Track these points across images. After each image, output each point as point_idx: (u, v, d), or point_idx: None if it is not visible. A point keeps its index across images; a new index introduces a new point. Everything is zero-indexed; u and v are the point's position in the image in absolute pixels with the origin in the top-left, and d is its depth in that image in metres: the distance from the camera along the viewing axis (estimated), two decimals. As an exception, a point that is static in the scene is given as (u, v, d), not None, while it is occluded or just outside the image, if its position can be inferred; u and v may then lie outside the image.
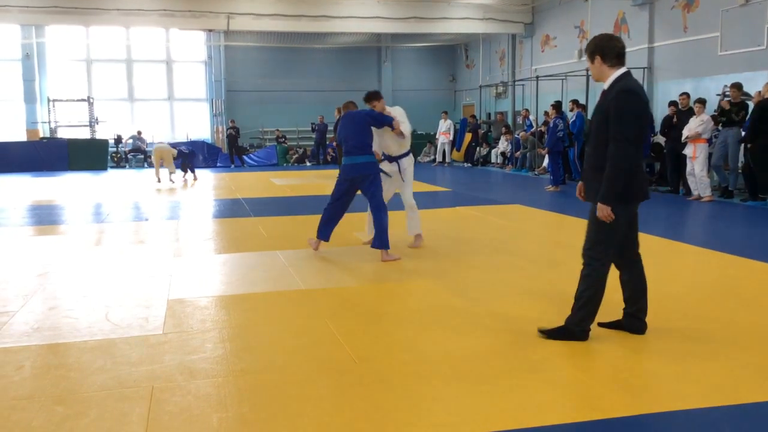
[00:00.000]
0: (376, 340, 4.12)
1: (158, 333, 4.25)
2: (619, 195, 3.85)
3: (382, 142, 6.94)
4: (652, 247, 7.07)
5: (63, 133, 21.65)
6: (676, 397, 3.21)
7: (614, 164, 3.80)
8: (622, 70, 3.90)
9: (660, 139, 13.20)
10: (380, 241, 6.45)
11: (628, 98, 3.80)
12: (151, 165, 19.40)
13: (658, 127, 13.78)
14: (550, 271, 5.99)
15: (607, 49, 3.90)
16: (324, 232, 6.70)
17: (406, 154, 7.08)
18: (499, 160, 19.16)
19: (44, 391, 3.34)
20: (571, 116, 14.33)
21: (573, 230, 7.75)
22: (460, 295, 5.15)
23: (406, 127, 6.86)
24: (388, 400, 3.21)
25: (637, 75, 14.95)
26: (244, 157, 21.92)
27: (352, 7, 19.13)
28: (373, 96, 6.86)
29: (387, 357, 3.80)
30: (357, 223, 8.51)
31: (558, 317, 4.65)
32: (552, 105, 13.84)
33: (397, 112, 6.89)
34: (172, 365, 3.67)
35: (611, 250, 3.98)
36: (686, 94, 11.97)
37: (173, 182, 15.59)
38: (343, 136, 6.57)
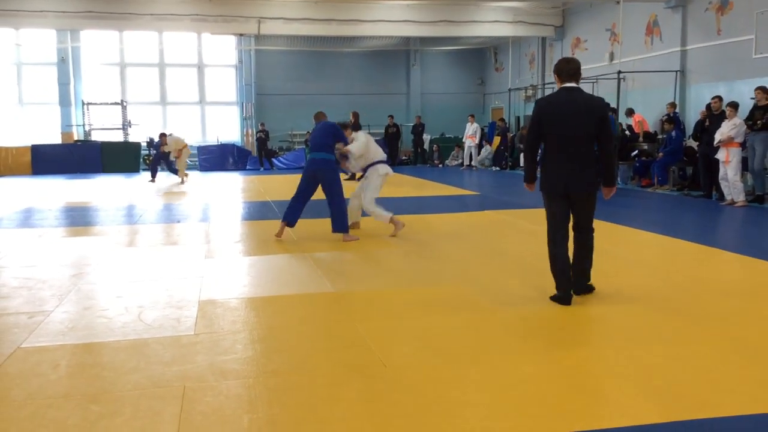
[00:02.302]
0: (405, 343, 4.12)
1: (190, 333, 4.31)
2: (540, 185, 5.04)
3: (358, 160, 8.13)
4: (686, 253, 6.99)
5: (97, 136, 22.05)
6: (710, 405, 3.16)
7: None
8: (564, 85, 4.90)
9: (692, 143, 13.03)
10: (341, 224, 7.61)
11: (534, 106, 5.03)
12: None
13: (690, 131, 13.62)
14: (580, 276, 5.94)
15: (561, 70, 4.93)
16: (290, 217, 7.74)
17: (372, 165, 8.14)
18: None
19: (79, 390, 3.41)
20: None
21: (605, 234, 7.67)
22: (491, 299, 5.13)
23: (353, 146, 7.92)
24: (417, 404, 3.21)
25: (670, 78, 14.84)
26: (274, 160, 22.09)
27: (382, 11, 19.19)
28: (344, 126, 8.10)
29: (416, 361, 3.81)
30: (387, 227, 8.54)
31: (591, 319, 4.62)
32: None
33: (360, 136, 8.09)
34: (204, 365, 3.72)
35: (551, 226, 4.99)
36: (718, 98, 11.77)
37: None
38: (311, 138, 7.89)
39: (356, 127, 16.71)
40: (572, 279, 4.97)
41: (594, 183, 4.93)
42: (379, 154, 8.28)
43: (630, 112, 15.49)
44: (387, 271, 6.21)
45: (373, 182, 8.11)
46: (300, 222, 8.75)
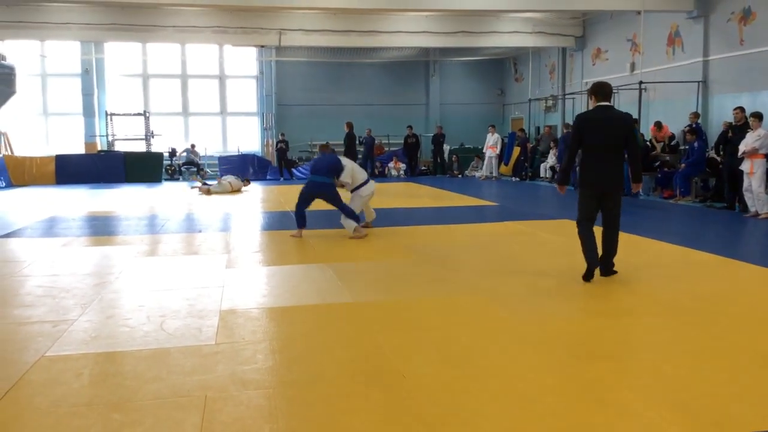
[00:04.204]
0: (424, 354, 4.12)
1: (211, 343, 4.34)
2: (579, 182, 6.24)
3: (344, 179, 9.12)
4: (709, 265, 6.91)
5: (120, 146, 22.30)
6: (734, 419, 3.13)
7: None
8: (599, 103, 6.08)
9: (715, 155, 12.91)
10: (356, 218, 8.82)
11: (574, 120, 6.34)
12: (204, 177, 20.02)
13: (712, 142, 13.51)
14: (603, 287, 5.91)
15: (597, 91, 6.13)
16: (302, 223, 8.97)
17: (359, 187, 9.15)
18: (548, 174, 18.98)
19: (102, 399, 3.44)
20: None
21: (627, 245, 7.61)
22: (510, 310, 5.11)
23: (344, 176, 9.04)
24: (436, 415, 3.21)
25: (692, 89, 14.73)
26: (293, 169, 22.19)
27: (401, 22, 19.27)
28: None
29: (435, 372, 3.80)
30: (407, 237, 8.57)
31: (613, 331, 4.59)
32: None
33: (346, 165, 9.07)
34: (225, 375, 3.74)
35: (582, 217, 6.12)
36: (740, 108, 11.65)
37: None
38: (315, 163, 9.26)
39: (350, 136, 16.94)
40: (599, 261, 6.04)
41: (621, 182, 6.12)
42: (362, 176, 9.29)
43: (659, 126, 15.25)
44: (406, 282, 6.20)
45: (357, 200, 9.12)
46: (319, 232, 8.80)
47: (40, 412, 3.28)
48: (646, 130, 15.87)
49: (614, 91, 16.38)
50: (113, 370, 3.88)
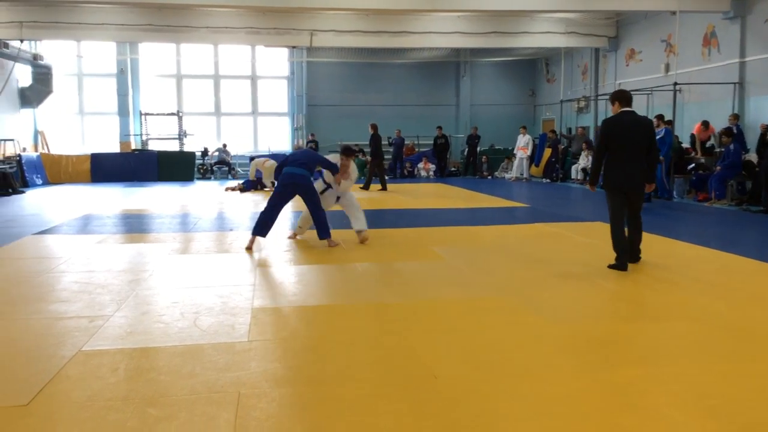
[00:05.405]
0: (452, 356, 4.12)
1: (244, 340, 4.39)
2: (603, 183, 6.81)
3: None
4: (744, 269, 6.79)
5: (153, 146, 22.63)
6: (766, 427, 3.08)
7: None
8: (622, 109, 6.66)
9: (752, 157, 12.68)
10: (324, 231, 8.04)
11: (601, 125, 6.83)
12: (235, 177, 20.23)
13: (749, 144, 13.28)
14: (635, 290, 5.85)
15: (621, 98, 6.71)
16: (262, 231, 7.99)
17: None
18: (580, 176, 18.80)
19: (137, 393, 3.51)
20: (658, 132, 13.91)
21: (659, 248, 7.53)
22: (540, 313, 5.08)
23: (349, 181, 8.59)
24: (464, 417, 3.21)
25: (728, 90, 14.50)
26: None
27: (432, 23, 19.24)
28: (349, 152, 8.66)
29: (463, 374, 3.80)
30: (436, 238, 8.57)
31: (644, 336, 4.54)
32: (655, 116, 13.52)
33: (351, 167, 8.60)
34: (257, 372, 3.79)
35: (613, 216, 6.64)
36: (779, 111, 11.45)
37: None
38: (293, 156, 8.35)
39: (375, 138, 16.94)
40: (628, 252, 6.57)
41: (644, 181, 6.62)
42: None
43: (706, 125, 14.96)
44: (435, 283, 6.20)
45: (354, 198, 8.77)
46: (348, 232, 8.82)
47: (77, 406, 3.35)
48: (681, 132, 15.65)
49: (648, 92, 16.46)
50: (148, 366, 3.94)
